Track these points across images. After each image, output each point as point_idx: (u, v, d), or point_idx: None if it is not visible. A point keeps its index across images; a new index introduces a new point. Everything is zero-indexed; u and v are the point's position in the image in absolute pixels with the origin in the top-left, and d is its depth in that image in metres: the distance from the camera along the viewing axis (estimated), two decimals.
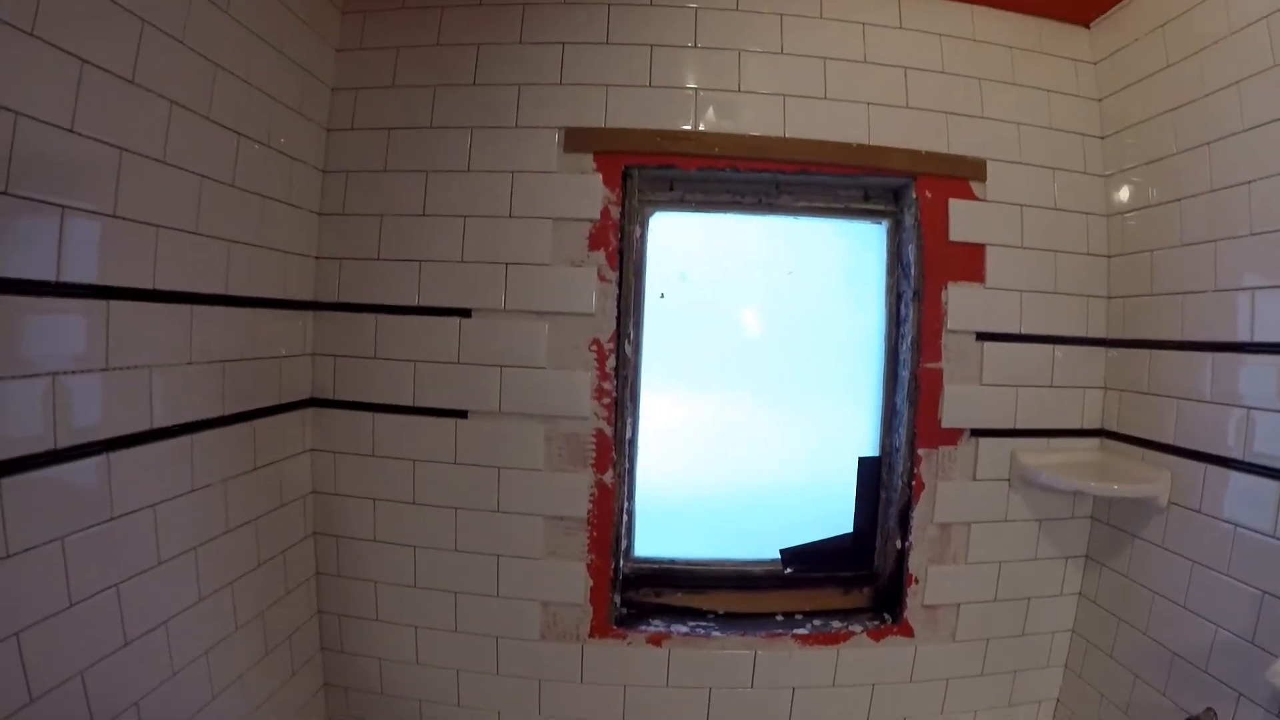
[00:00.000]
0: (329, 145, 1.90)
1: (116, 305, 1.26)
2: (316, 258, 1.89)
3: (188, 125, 1.42)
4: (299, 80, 1.83)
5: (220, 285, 1.57)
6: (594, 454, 1.84)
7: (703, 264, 1.94)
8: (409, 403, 1.86)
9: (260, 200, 1.71)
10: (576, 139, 1.82)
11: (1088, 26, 2.12)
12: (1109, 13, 2.06)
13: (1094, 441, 2.04)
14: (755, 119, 1.84)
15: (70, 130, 1.14)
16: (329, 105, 1.91)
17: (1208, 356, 1.71)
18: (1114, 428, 2.00)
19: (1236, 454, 1.58)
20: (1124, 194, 1.98)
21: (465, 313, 1.83)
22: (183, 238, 1.44)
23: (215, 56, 1.49)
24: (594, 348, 1.82)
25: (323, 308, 1.89)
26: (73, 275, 1.16)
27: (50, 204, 1.12)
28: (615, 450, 1.85)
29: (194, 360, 1.49)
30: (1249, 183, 1.61)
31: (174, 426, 1.43)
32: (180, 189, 1.42)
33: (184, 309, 1.45)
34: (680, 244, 1.93)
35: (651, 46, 1.85)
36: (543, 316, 1.81)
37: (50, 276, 1.13)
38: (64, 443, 1.16)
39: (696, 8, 1.88)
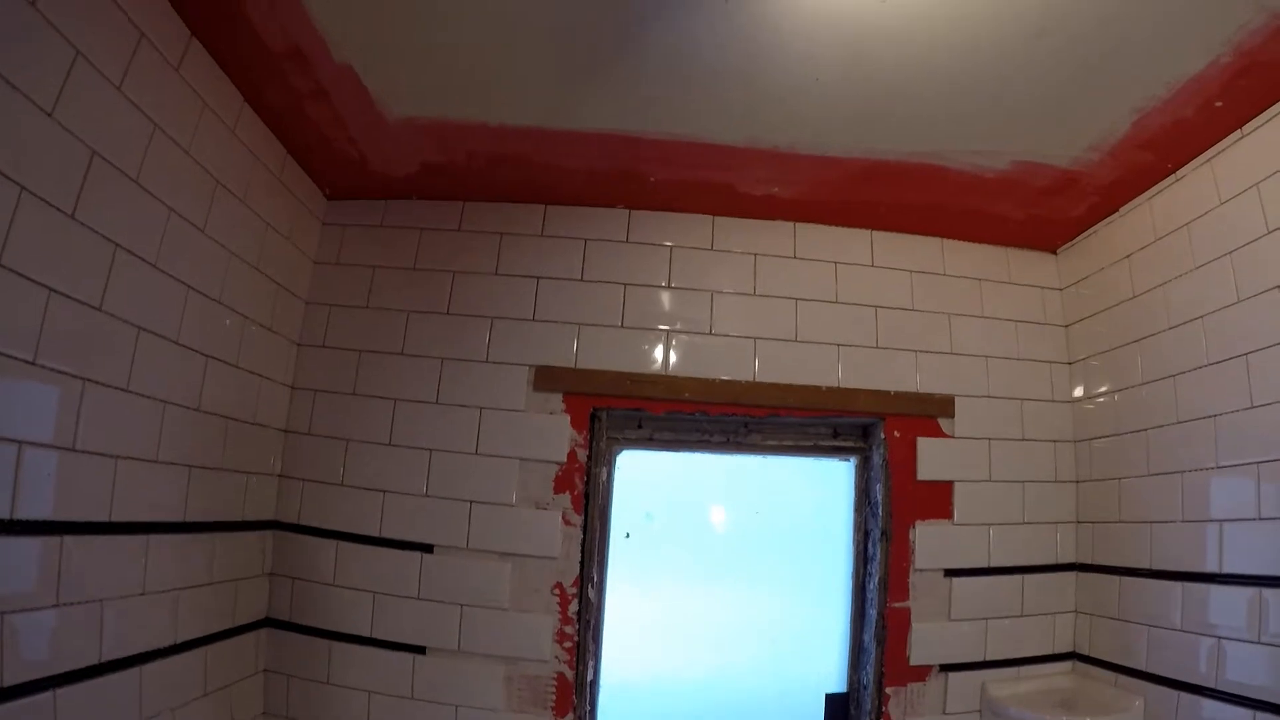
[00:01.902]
0: (299, 361, 1.91)
1: (71, 540, 1.23)
2: (279, 475, 1.88)
3: (155, 351, 1.42)
4: (273, 296, 1.85)
5: (179, 513, 1.55)
6: (554, 697, 1.80)
7: (669, 501, 1.94)
8: (366, 633, 1.83)
9: (225, 422, 1.71)
10: (546, 378, 1.83)
11: (1055, 253, 2.19)
12: (1075, 240, 2.13)
13: (1066, 665, 2.02)
14: (726, 362, 1.87)
15: (32, 363, 1.13)
16: (301, 320, 1.93)
17: (1178, 585, 1.72)
18: (1086, 651, 1.99)
19: (1209, 682, 1.58)
20: (1092, 421, 2.02)
21: (427, 548, 1.81)
22: (143, 467, 1.42)
23: (189, 278, 1.50)
24: (557, 591, 1.80)
25: (283, 528, 1.87)
26: (27, 512, 1.14)
27: (7, 440, 1.10)
28: (576, 694, 1.81)
29: (147, 591, 1.45)
30: (1214, 416, 1.64)
31: (123, 659, 1.39)
32: (143, 417, 1.41)
33: (140, 539, 1.42)
34: (647, 481, 1.92)
35: (625, 285, 1.89)
36: (506, 557, 1.80)
37: (4, 514, 1.10)
38: (9, 680, 1.11)
39: (672, 246, 1.92)
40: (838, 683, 2.00)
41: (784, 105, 1.60)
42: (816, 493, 2.02)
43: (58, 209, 1.15)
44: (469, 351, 1.86)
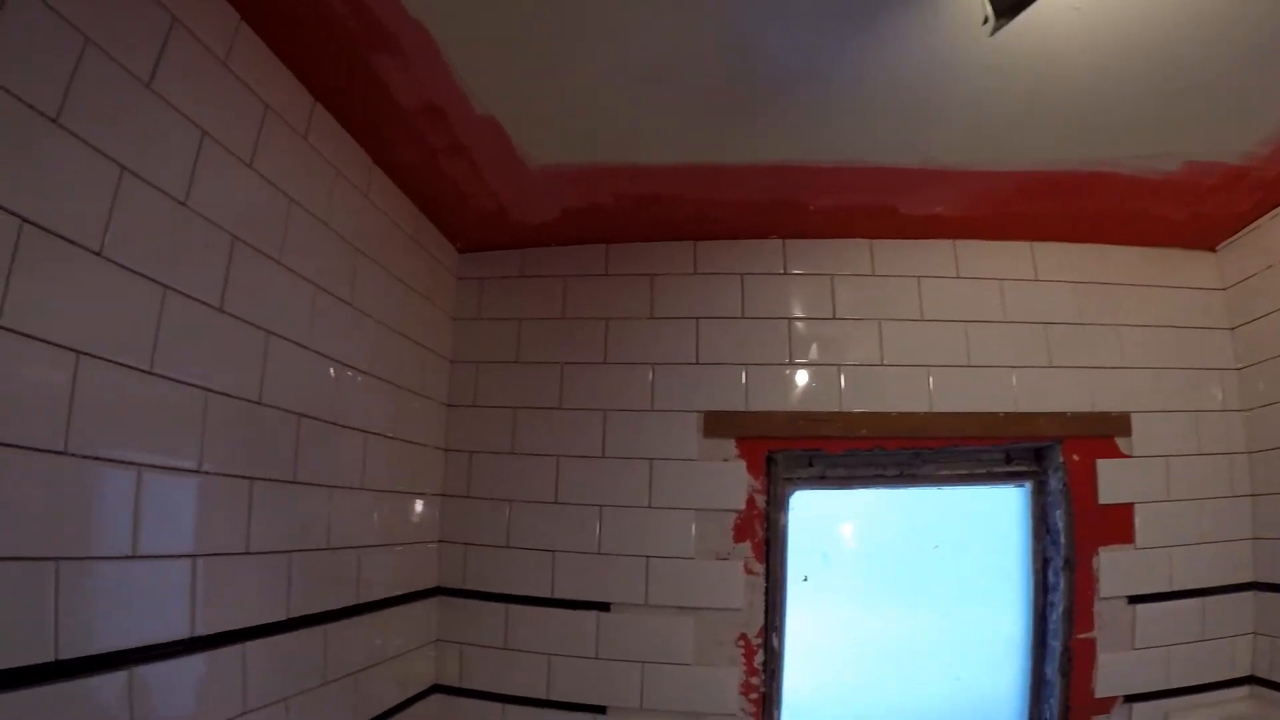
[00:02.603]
0: (450, 423, 1.86)
1: (252, 645, 1.21)
2: (439, 542, 1.83)
3: (318, 436, 1.41)
4: (419, 359, 1.81)
5: (352, 596, 1.53)
6: None
7: (837, 537, 1.88)
8: (542, 695, 1.79)
9: (388, 497, 1.68)
10: (717, 424, 1.77)
11: (1214, 251, 2.09)
12: (1235, 237, 2.04)
13: (1244, 690, 1.96)
14: (901, 393, 1.80)
15: (197, 470, 1.10)
16: (448, 380, 1.87)
17: None
18: (1265, 674, 1.93)
19: None
20: (1267, 432, 1.93)
21: (604, 606, 1.77)
22: (317, 557, 1.41)
23: (341, 355, 1.48)
24: (741, 643, 1.75)
25: (447, 594, 1.83)
26: (207, 626, 1.11)
27: (182, 555, 1.08)
28: None
29: (328, 680, 1.44)
30: None
31: None
32: (313, 508, 1.39)
33: (318, 630, 1.40)
34: (820, 520, 1.86)
35: (789, 320, 1.82)
36: (687, 612, 1.75)
37: (184, 633, 1.08)
38: None
39: (832, 275, 1.85)
40: (1016, 717, 1.95)
41: (961, 122, 1.53)
42: (988, 525, 1.96)
43: (205, 303, 1.11)
44: (632, 401, 1.79)
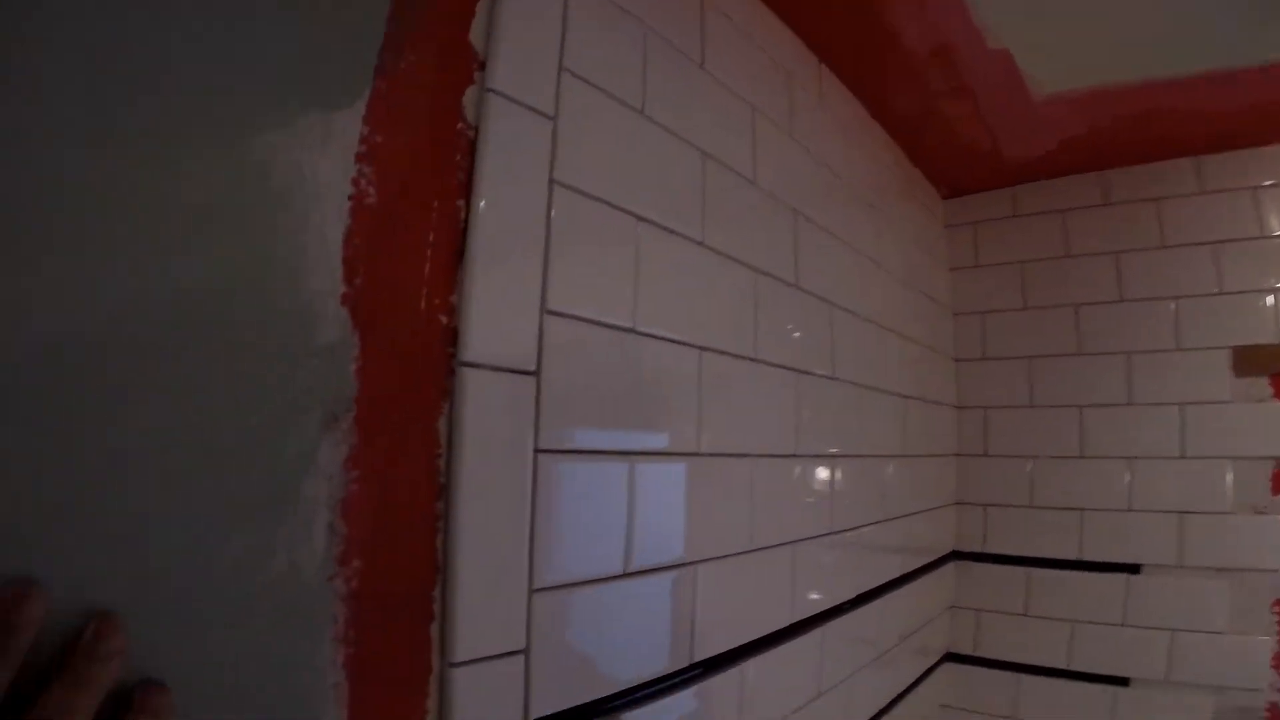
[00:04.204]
0: (959, 378, 1.79)
1: (830, 628, 1.20)
2: (957, 504, 1.76)
3: (878, 409, 1.44)
4: (930, 314, 1.76)
5: (896, 569, 1.50)
6: None
7: None
8: (1063, 664, 1.69)
9: (922, 461, 1.65)
10: (1246, 360, 1.65)
11: None
12: None
13: None
14: None
15: (794, 455, 1.12)
16: (953, 333, 1.83)
17: None
18: None
19: None
20: None
21: (1134, 568, 1.64)
22: (872, 532, 1.38)
23: (880, 318, 1.47)
24: (1276, 609, 1.64)
25: (962, 558, 1.77)
26: (799, 612, 1.11)
27: (782, 545, 1.09)
28: None
29: (881, 656, 1.41)
30: None
31: None
32: (869, 487, 1.41)
33: (873, 608, 1.38)
34: None
35: None
36: (1221, 573, 1.63)
37: (785, 622, 1.08)
38: None
39: None
40: None
41: None
42: None
43: (785, 281, 1.12)
44: (1154, 341, 1.66)
